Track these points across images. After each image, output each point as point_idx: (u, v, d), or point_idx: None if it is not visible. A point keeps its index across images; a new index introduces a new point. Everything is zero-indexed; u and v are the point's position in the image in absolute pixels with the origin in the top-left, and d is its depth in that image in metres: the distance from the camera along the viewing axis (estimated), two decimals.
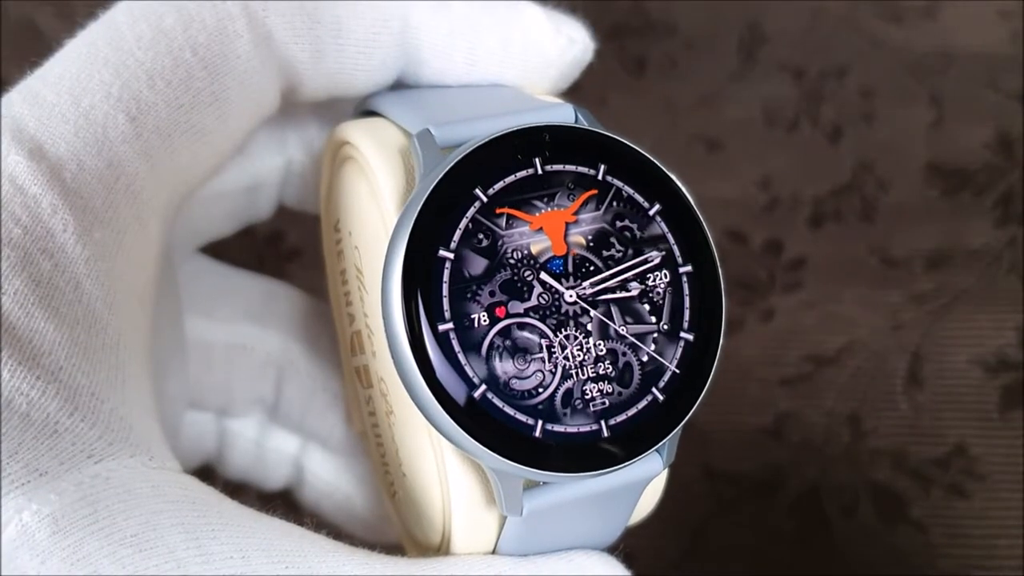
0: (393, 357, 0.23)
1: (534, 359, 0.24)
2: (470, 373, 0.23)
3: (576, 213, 0.25)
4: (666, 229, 0.25)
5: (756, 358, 0.44)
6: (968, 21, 0.52)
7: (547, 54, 0.28)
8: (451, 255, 0.23)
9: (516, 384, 0.23)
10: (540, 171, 0.24)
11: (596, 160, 0.25)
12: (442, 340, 0.23)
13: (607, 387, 0.24)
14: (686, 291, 0.25)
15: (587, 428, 0.24)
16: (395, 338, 0.23)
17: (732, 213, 0.47)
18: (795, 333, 0.45)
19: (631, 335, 0.24)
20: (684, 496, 0.41)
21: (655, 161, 0.25)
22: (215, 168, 0.27)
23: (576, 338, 0.24)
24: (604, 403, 0.24)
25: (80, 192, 0.24)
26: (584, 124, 0.26)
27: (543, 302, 0.24)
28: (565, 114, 0.26)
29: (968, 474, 0.42)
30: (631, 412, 0.24)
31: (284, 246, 0.45)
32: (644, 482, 0.25)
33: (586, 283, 0.24)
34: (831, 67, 0.51)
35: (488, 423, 0.23)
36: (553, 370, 0.24)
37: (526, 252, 0.24)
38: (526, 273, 0.24)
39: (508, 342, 0.24)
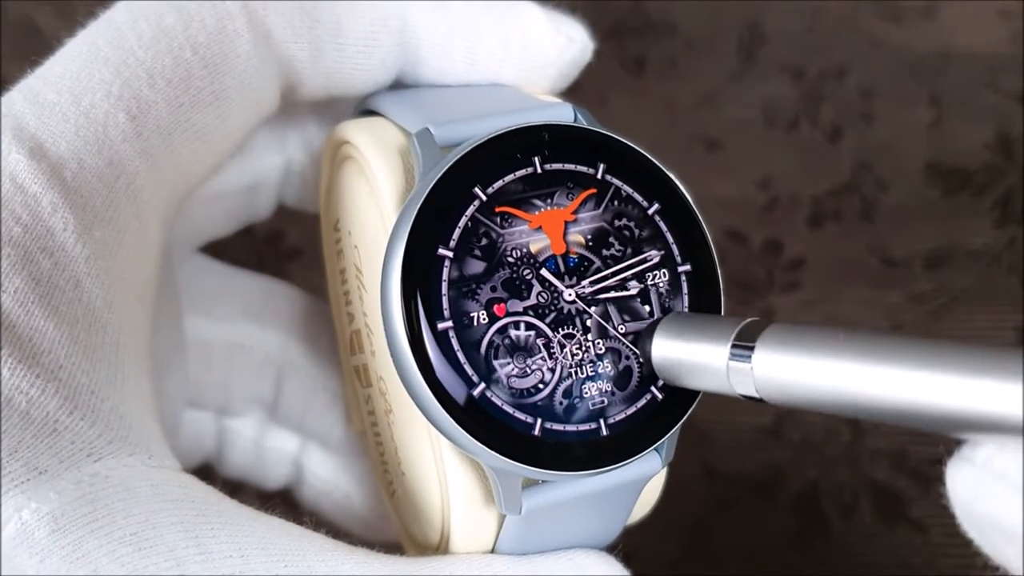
0: (392, 356, 0.23)
1: (533, 358, 0.24)
2: (469, 372, 0.23)
3: (575, 212, 0.25)
4: (665, 228, 0.25)
5: None
6: (968, 21, 0.52)
7: (546, 54, 0.28)
8: (450, 254, 0.23)
9: (515, 383, 0.23)
10: (539, 170, 0.24)
11: (595, 159, 0.25)
12: (441, 339, 0.23)
13: (606, 386, 0.24)
14: (685, 290, 0.25)
15: (586, 427, 0.24)
16: (394, 337, 0.23)
17: (732, 213, 0.47)
18: None
19: (630, 334, 0.25)
20: (683, 495, 0.41)
21: (654, 160, 0.25)
22: (215, 167, 0.27)
23: (575, 337, 0.24)
24: (603, 402, 0.24)
25: (80, 191, 0.24)
26: (583, 123, 0.26)
27: (542, 301, 0.24)
28: (564, 113, 0.26)
29: None
30: (630, 411, 0.24)
31: (284, 245, 0.45)
32: (643, 481, 0.25)
33: (585, 282, 0.24)
34: (831, 67, 0.51)
35: (487, 421, 0.23)
36: (552, 369, 0.24)
37: (525, 251, 0.24)
38: (525, 272, 0.24)
39: (507, 341, 0.24)
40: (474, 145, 0.24)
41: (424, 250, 0.23)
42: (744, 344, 0.22)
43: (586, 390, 0.24)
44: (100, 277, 0.24)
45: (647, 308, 0.25)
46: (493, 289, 0.24)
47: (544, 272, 0.24)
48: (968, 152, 0.49)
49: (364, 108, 0.28)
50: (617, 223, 0.25)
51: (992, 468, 0.19)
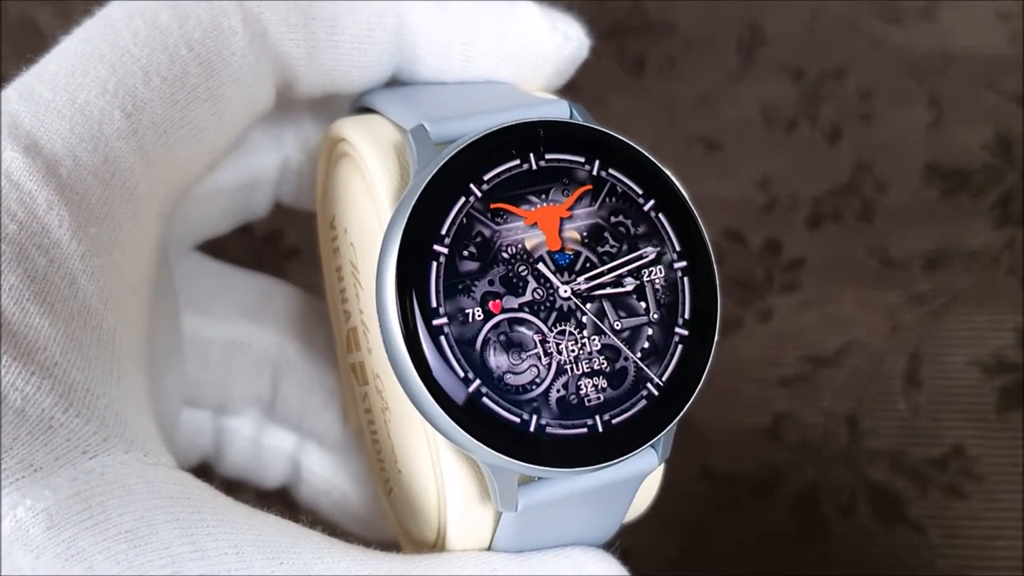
0: (388, 352, 0.23)
1: (529, 354, 0.24)
2: (465, 368, 0.23)
3: (571, 208, 0.25)
4: (661, 225, 0.25)
5: (754, 358, 0.44)
6: (967, 22, 0.52)
7: (543, 51, 0.28)
8: (445, 250, 0.23)
9: (511, 379, 0.23)
10: (535, 166, 0.24)
11: (591, 155, 0.25)
12: (436, 335, 0.23)
13: (602, 382, 0.24)
14: (681, 287, 0.25)
15: (582, 423, 0.24)
16: (389, 333, 0.23)
17: (731, 213, 0.47)
18: (793, 333, 0.45)
19: (626, 330, 0.24)
20: (682, 496, 0.41)
21: (650, 157, 0.25)
22: (211, 165, 0.27)
23: (571, 333, 0.24)
24: (599, 398, 0.24)
25: (76, 188, 0.24)
26: (579, 120, 0.26)
27: (537, 297, 0.24)
28: (560, 110, 0.26)
29: (966, 475, 0.41)
30: (626, 407, 0.24)
31: (283, 245, 0.45)
32: (640, 478, 0.25)
33: (581, 278, 0.24)
34: (830, 68, 0.51)
35: (483, 418, 0.23)
36: (548, 365, 0.24)
37: (520, 247, 0.24)
38: (520, 268, 0.24)
39: (503, 337, 0.24)
40: (469, 141, 0.24)
41: (419, 246, 0.23)
42: None
43: (582, 387, 0.24)
44: (96, 274, 0.24)
45: (643, 305, 0.25)
46: (488, 285, 0.24)
47: (539, 268, 0.24)
48: (967, 153, 0.49)
49: (360, 105, 0.28)
50: (613, 219, 0.25)
51: None
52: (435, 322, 0.23)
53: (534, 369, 0.24)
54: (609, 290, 0.25)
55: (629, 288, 0.25)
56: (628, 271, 0.25)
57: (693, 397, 0.25)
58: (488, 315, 0.23)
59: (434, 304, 0.23)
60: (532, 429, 0.23)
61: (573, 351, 0.24)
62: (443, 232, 0.23)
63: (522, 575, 0.24)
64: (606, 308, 0.24)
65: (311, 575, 0.23)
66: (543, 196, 0.24)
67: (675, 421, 0.25)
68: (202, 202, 0.31)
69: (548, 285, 0.24)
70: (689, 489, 0.41)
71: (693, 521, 0.41)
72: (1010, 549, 0.40)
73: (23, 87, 0.25)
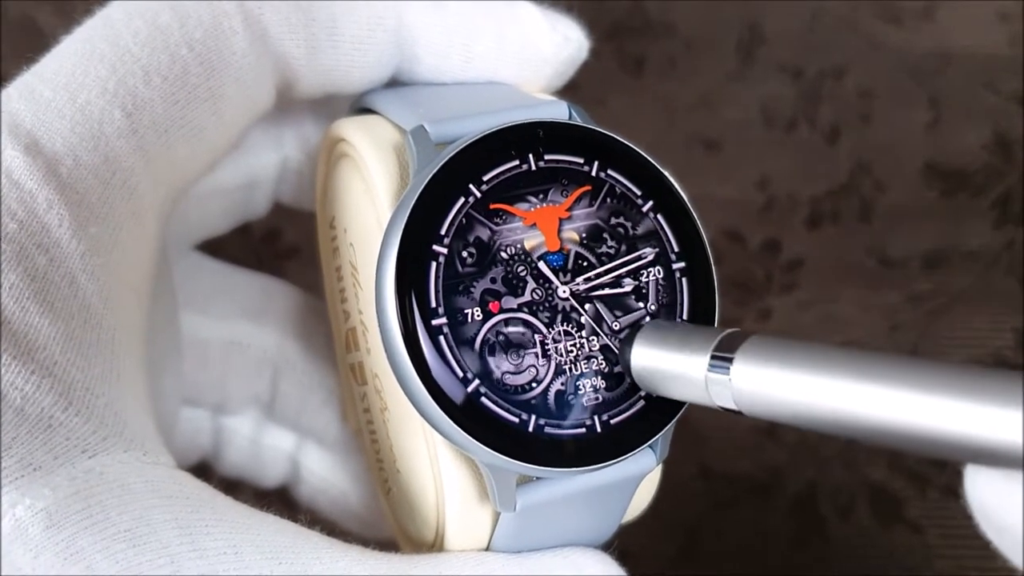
0: (387, 352, 0.23)
1: (527, 354, 0.24)
2: (463, 368, 0.23)
3: (570, 209, 0.25)
4: (659, 226, 0.25)
5: None
6: (967, 22, 0.52)
7: (542, 52, 0.28)
8: (444, 250, 0.23)
9: (509, 379, 0.23)
10: (534, 167, 0.24)
11: (590, 156, 0.25)
12: (435, 335, 0.23)
13: (600, 383, 0.24)
14: (679, 287, 0.25)
15: (580, 423, 0.24)
16: (389, 333, 0.23)
17: (730, 213, 0.47)
18: (792, 333, 0.45)
19: (624, 331, 0.25)
20: (680, 496, 0.41)
21: (649, 158, 0.26)
22: (211, 164, 0.27)
23: (569, 334, 0.24)
24: (597, 398, 0.24)
25: (76, 187, 0.24)
26: (578, 121, 0.26)
27: (536, 298, 0.24)
28: (559, 111, 0.26)
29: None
30: (624, 407, 0.24)
31: (281, 244, 0.45)
32: (638, 478, 0.25)
33: (579, 279, 0.24)
34: (829, 68, 0.51)
35: (481, 418, 0.23)
36: (546, 365, 0.24)
37: (520, 248, 0.24)
38: (519, 269, 0.24)
39: (501, 337, 0.24)
40: (469, 142, 0.24)
41: (418, 247, 0.23)
42: (723, 355, 0.22)
43: (580, 387, 0.24)
44: (95, 273, 0.24)
45: (641, 305, 0.25)
46: (488, 285, 0.24)
47: (538, 269, 0.24)
48: (967, 153, 0.49)
49: (360, 106, 0.28)
50: (612, 220, 0.25)
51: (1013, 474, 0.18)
52: (434, 322, 0.23)
53: (533, 369, 0.24)
54: (608, 291, 0.25)
55: (628, 289, 0.25)
56: (627, 272, 0.25)
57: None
58: (487, 315, 0.24)
59: (433, 304, 0.23)
60: (531, 429, 0.23)
61: (572, 351, 0.24)
62: (442, 232, 0.24)
63: (520, 575, 0.24)
64: (605, 308, 0.24)
65: (310, 575, 0.23)
66: (542, 197, 0.24)
67: (673, 422, 0.25)
68: (202, 201, 0.31)
69: (547, 285, 0.24)
70: (687, 489, 0.41)
71: (691, 521, 0.41)
72: None
73: (24, 86, 0.25)
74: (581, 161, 0.25)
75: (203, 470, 0.33)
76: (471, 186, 0.24)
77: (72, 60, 0.25)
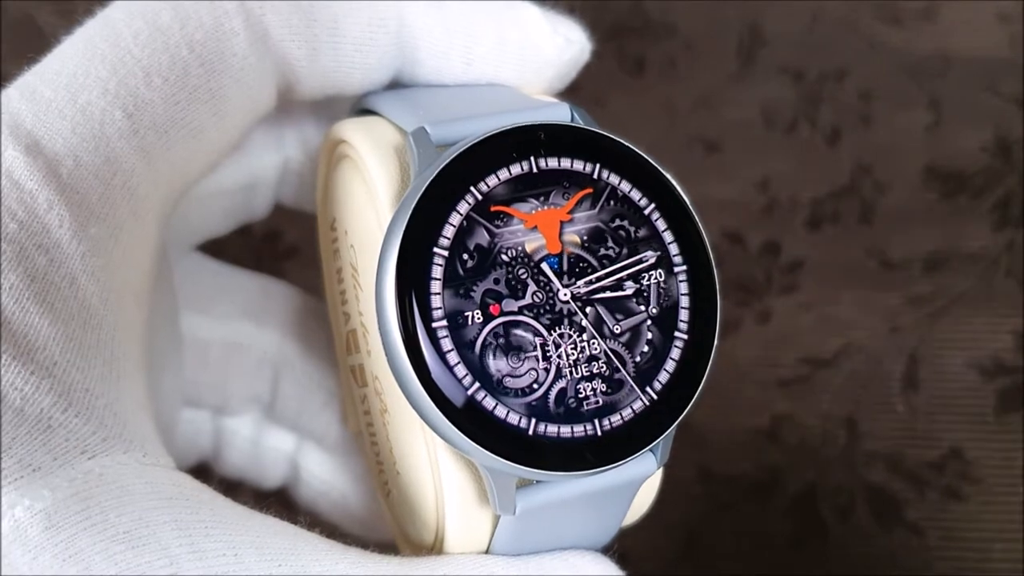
0: (387, 354, 0.23)
1: (527, 357, 0.24)
2: (463, 371, 0.23)
3: (571, 212, 0.25)
4: (661, 229, 0.25)
5: (753, 360, 0.44)
6: (967, 24, 0.52)
7: (544, 54, 0.28)
8: (445, 253, 0.23)
9: (509, 382, 0.23)
10: (535, 169, 0.24)
11: (591, 159, 0.25)
12: (436, 337, 0.23)
13: (601, 386, 0.24)
14: (681, 291, 0.25)
15: (580, 427, 0.24)
16: (389, 335, 0.23)
17: (730, 214, 0.47)
18: (792, 335, 0.45)
19: (625, 333, 0.24)
20: (680, 497, 0.41)
21: (651, 160, 0.25)
22: (211, 165, 0.27)
23: (570, 337, 0.24)
24: (597, 402, 0.24)
25: (76, 188, 0.24)
26: (580, 123, 0.26)
27: (537, 300, 0.24)
28: (561, 113, 0.26)
29: (964, 477, 0.42)
30: (625, 411, 0.24)
31: (281, 244, 0.45)
32: (638, 482, 0.25)
33: (580, 282, 0.24)
34: (830, 69, 0.51)
35: (481, 421, 0.23)
36: (547, 369, 0.24)
37: (520, 250, 0.24)
38: (520, 271, 0.24)
39: (502, 340, 0.24)
40: (470, 144, 0.24)
41: (419, 249, 0.23)
42: None
43: (581, 390, 0.24)
44: (96, 274, 0.24)
45: (642, 308, 0.25)
46: (488, 288, 0.24)
47: (539, 272, 0.24)
48: (967, 155, 0.49)
49: (361, 107, 0.28)
50: (613, 223, 0.25)
51: None
52: (434, 324, 0.23)
53: (533, 372, 0.24)
54: (609, 294, 0.25)
55: (629, 292, 0.25)
56: (628, 275, 0.25)
57: (692, 401, 0.25)
58: (488, 318, 0.23)
59: (433, 306, 0.23)
60: (531, 432, 0.23)
61: (572, 354, 0.24)
62: (443, 235, 0.23)
63: None
64: (606, 312, 0.24)
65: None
66: (543, 199, 0.24)
67: (674, 426, 0.25)
68: (202, 202, 0.31)
69: (548, 288, 0.24)
70: (687, 490, 0.41)
71: (691, 522, 0.41)
72: (1008, 551, 0.40)
73: (24, 86, 0.25)
74: (583, 163, 0.25)
75: (203, 471, 0.33)
76: (472, 188, 0.24)
77: (73, 60, 0.25)
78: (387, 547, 0.26)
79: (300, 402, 0.33)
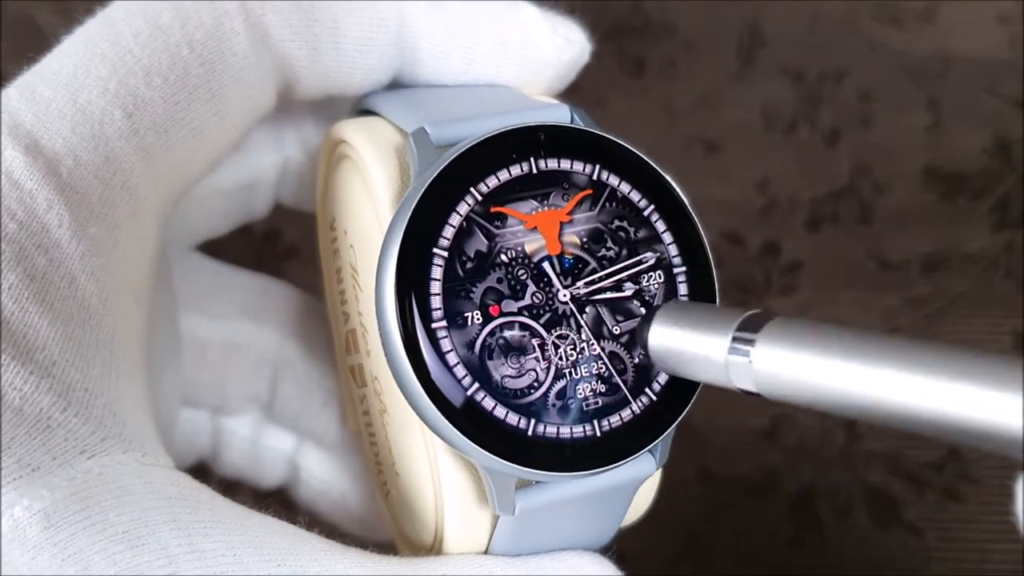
0: (386, 355, 0.23)
1: (527, 358, 0.24)
2: (463, 372, 0.23)
3: (571, 213, 0.25)
4: (661, 230, 0.25)
5: None
6: (967, 25, 0.52)
7: (544, 55, 0.28)
8: (445, 253, 0.23)
9: (509, 383, 0.23)
10: (535, 170, 0.24)
11: (591, 160, 0.25)
12: (435, 338, 0.23)
13: (600, 387, 0.24)
14: (680, 292, 0.25)
15: (580, 428, 0.24)
16: (388, 336, 0.23)
17: (729, 215, 0.47)
18: None
19: (624, 335, 0.24)
20: (678, 498, 0.41)
21: (650, 162, 0.25)
22: (211, 165, 0.27)
23: (569, 338, 0.24)
24: (597, 403, 0.24)
25: (76, 187, 0.24)
26: (580, 124, 0.26)
27: (537, 301, 0.24)
28: (561, 114, 0.26)
29: (963, 478, 0.42)
30: (624, 412, 0.24)
31: (281, 244, 0.45)
32: (637, 482, 0.25)
33: (580, 283, 0.24)
34: (830, 70, 0.51)
35: (481, 421, 0.23)
36: (546, 369, 0.24)
37: (520, 251, 0.24)
38: (520, 272, 0.24)
39: (501, 341, 0.24)
40: (470, 145, 0.24)
41: (419, 249, 0.23)
42: (745, 337, 0.21)
43: (580, 391, 0.24)
44: (95, 274, 0.24)
45: (642, 309, 0.25)
46: (487, 289, 0.24)
47: (539, 273, 0.24)
48: (966, 156, 0.49)
49: (361, 107, 0.28)
50: (613, 224, 0.25)
51: None
52: (434, 325, 0.23)
53: (532, 373, 0.24)
54: (608, 295, 0.25)
55: (628, 293, 0.25)
56: (628, 276, 0.25)
57: (691, 402, 0.25)
58: (487, 318, 0.24)
59: (433, 307, 0.23)
60: (530, 433, 0.23)
61: (571, 355, 0.24)
62: (443, 235, 0.23)
63: None
64: (605, 313, 0.24)
65: None
66: (543, 200, 0.24)
67: (673, 426, 0.25)
68: (202, 202, 0.31)
69: (547, 289, 0.24)
70: (686, 491, 0.41)
71: (690, 523, 0.41)
72: (1007, 552, 0.40)
73: (24, 86, 0.25)
74: (582, 165, 0.25)
75: (202, 471, 0.33)
76: (472, 189, 0.24)
77: (73, 60, 0.25)
78: (386, 547, 0.26)
79: (299, 402, 0.33)
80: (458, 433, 0.23)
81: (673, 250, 0.25)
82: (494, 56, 0.28)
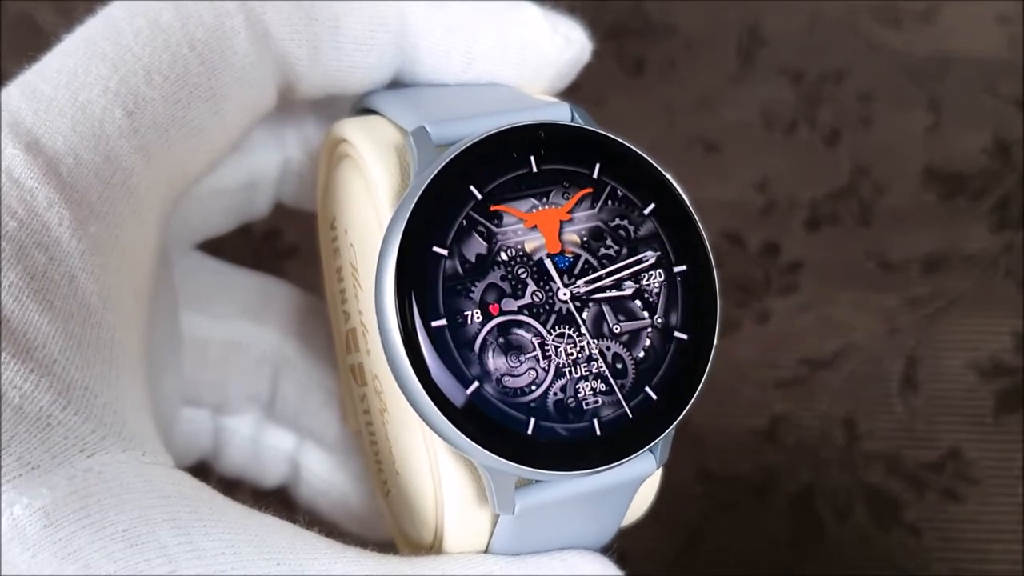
0: (386, 354, 0.23)
1: (527, 357, 0.24)
2: (463, 370, 0.23)
3: (571, 211, 0.25)
4: (661, 228, 0.25)
5: (751, 360, 0.44)
6: (966, 25, 0.52)
7: (544, 54, 0.28)
8: (445, 252, 0.23)
9: (509, 381, 0.23)
10: (535, 169, 0.24)
11: (591, 159, 0.25)
12: (435, 337, 0.23)
13: (600, 386, 0.24)
14: (680, 291, 0.25)
15: (580, 426, 0.24)
16: (388, 335, 0.23)
17: (729, 215, 0.47)
18: (791, 336, 0.45)
19: (624, 334, 0.24)
20: (678, 498, 0.41)
21: (650, 160, 0.25)
22: (212, 164, 0.27)
23: (569, 336, 0.24)
24: (597, 402, 0.24)
25: (76, 186, 0.24)
26: (580, 123, 0.26)
27: (537, 300, 0.24)
28: (561, 113, 0.26)
29: (962, 478, 0.42)
30: (624, 411, 0.24)
31: (281, 243, 0.45)
32: (637, 482, 0.25)
33: (580, 281, 0.24)
34: (829, 70, 0.51)
35: (480, 420, 0.23)
36: (546, 368, 0.24)
37: (520, 250, 0.24)
38: (520, 271, 0.24)
39: (501, 339, 0.23)
40: (470, 143, 0.24)
41: (419, 248, 0.23)
42: None
43: (580, 390, 0.24)
44: (95, 273, 0.24)
45: (642, 308, 0.25)
46: (487, 288, 0.24)
47: (539, 271, 0.24)
48: (966, 156, 0.49)
49: (362, 106, 0.28)
50: (613, 223, 0.25)
51: None
52: (434, 324, 0.23)
53: (532, 372, 0.24)
54: (608, 294, 0.25)
55: (628, 292, 0.25)
56: (628, 275, 0.25)
57: (691, 402, 0.25)
58: (487, 317, 0.23)
59: (433, 305, 0.23)
60: (530, 432, 0.23)
61: (571, 354, 0.24)
62: (443, 234, 0.23)
63: None
64: (605, 312, 0.24)
65: (307, 575, 0.23)
66: (543, 199, 0.24)
67: (673, 426, 0.25)
68: (203, 201, 0.31)
69: (547, 288, 0.24)
70: (686, 491, 0.41)
71: (690, 523, 0.41)
72: (1006, 552, 0.40)
73: (25, 85, 0.25)
74: (583, 163, 0.25)
75: (202, 470, 0.33)
76: (472, 188, 0.24)
77: (74, 59, 0.25)
78: (386, 546, 0.26)
79: (300, 401, 0.33)
80: (458, 432, 0.23)
81: (673, 249, 0.25)
82: (494, 55, 0.28)
